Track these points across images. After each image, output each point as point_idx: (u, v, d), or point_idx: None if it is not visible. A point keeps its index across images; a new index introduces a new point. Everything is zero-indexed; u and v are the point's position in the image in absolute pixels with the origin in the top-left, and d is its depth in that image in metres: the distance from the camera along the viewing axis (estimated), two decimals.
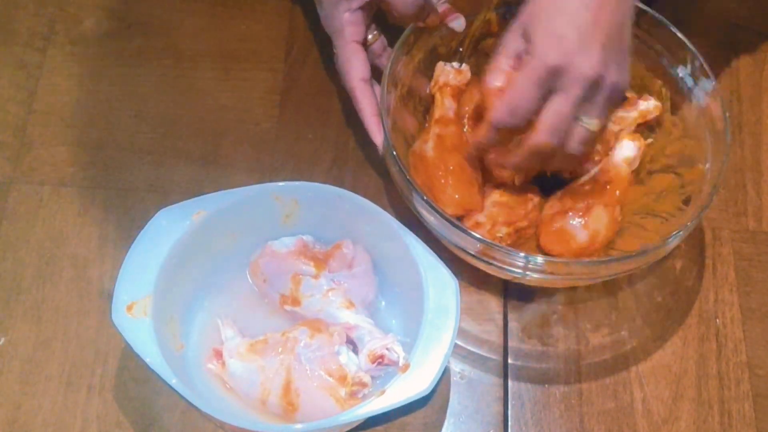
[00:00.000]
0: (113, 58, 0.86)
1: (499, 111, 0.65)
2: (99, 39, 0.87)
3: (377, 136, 0.74)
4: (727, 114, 0.72)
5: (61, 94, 0.84)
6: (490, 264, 0.70)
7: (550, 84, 0.63)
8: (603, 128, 0.68)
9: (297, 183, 0.70)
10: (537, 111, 0.64)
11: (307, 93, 0.85)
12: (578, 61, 0.62)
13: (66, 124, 0.82)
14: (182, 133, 0.82)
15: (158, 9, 0.89)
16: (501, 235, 0.73)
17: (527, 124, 0.65)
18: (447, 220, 0.68)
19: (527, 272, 0.69)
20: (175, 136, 0.82)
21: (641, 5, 0.75)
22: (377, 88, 0.75)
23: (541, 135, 0.65)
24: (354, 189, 0.70)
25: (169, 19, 0.89)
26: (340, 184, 0.74)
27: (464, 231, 0.68)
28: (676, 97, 0.77)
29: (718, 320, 0.76)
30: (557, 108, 0.64)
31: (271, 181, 0.72)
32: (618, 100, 0.66)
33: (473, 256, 0.70)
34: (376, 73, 0.76)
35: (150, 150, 0.81)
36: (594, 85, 0.63)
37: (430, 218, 0.70)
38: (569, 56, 0.62)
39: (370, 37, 0.76)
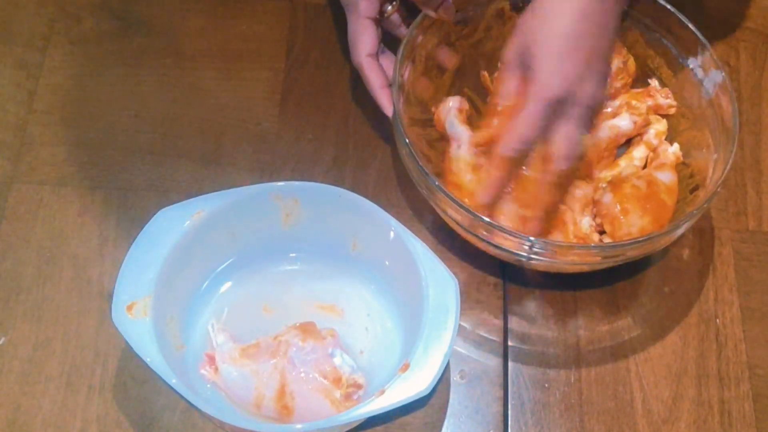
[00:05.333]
0: (113, 58, 0.86)
1: (509, 141, 0.67)
2: (99, 39, 0.87)
3: (387, 108, 0.75)
4: (736, 104, 0.72)
5: (61, 94, 0.84)
6: (497, 247, 0.70)
7: (556, 111, 0.66)
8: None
9: (297, 183, 0.70)
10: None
11: (308, 93, 0.85)
12: (579, 90, 0.65)
13: (66, 124, 0.82)
14: (182, 132, 0.82)
15: (158, 9, 0.89)
16: None
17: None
18: (455, 201, 0.68)
19: (532, 256, 0.69)
20: (176, 136, 0.82)
21: None
22: (392, 58, 0.76)
23: (561, 162, 0.67)
24: (354, 189, 0.70)
25: (170, 19, 0.89)
26: (340, 184, 0.74)
27: (468, 211, 0.68)
28: (686, 88, 0.78)
29: (718, 320, 0.76)
30: (567, 134, 0.67)
31: (271, 181, 0.72)
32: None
33: (479, 237, 0.70)
34: (395, 44, 0.76)
35: (150, 150, 0.81)
36: (590, 108, 0.67)
37: (438, 199, 0.71)
38: (573, 85, 0.65)
39: (389, 8, 0.77)
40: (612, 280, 0.77)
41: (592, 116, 0.68)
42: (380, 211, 0.68)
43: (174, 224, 0.67)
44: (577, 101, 0.66)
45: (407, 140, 0.71)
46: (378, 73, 0.76)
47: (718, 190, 0.70)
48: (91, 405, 0.70)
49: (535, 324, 0.75)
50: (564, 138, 0.67)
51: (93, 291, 0.74)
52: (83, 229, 0.77)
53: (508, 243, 0.69)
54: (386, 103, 0.75)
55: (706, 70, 0.76)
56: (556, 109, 0.66)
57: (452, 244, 0.78)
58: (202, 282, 0.72)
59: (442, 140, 0.78)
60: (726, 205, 0.82)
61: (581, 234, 0.74)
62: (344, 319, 0.72)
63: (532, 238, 0.68)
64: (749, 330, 0.76)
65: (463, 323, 0.75)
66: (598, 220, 0.74)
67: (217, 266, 0.73)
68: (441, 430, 0.71)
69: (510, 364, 0.73)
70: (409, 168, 0.73)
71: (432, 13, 0.75)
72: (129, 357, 0.70)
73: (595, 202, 0.75)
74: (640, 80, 0.81)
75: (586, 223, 0.74)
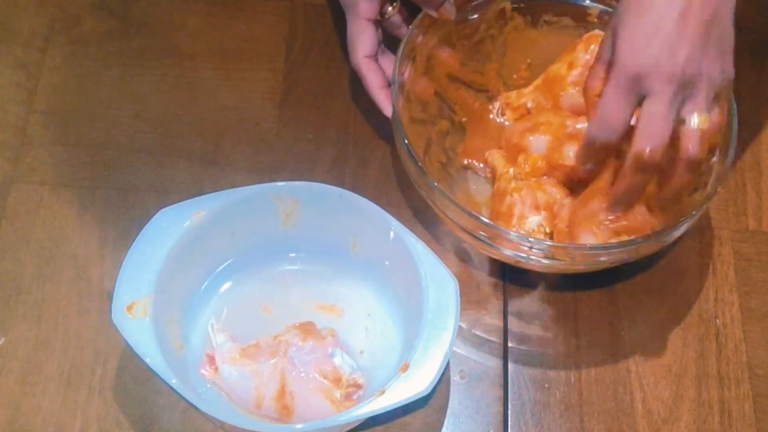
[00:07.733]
0: (113, 58, 0.86)
1: (590, 126, 0.65)
2: (99, 39, 0.87)
3: (386, 108, 0.75)
4: (735, 104, 0.72)
5: (61, 94, 0.84)
6: (496, 248, 0.70)
7: (638, 90, 0.62)
8: (717, 124, 0.64)
9: (297, 183, 0.70)
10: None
11: (307, 93, 0.85)
12: (662, 62, 0.61)
13: (66, 124, 0.82)
14: (182, 133, 0.82)
15: (158, 9, 0.89)
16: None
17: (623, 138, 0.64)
18: (453, 202, 0.69)
19: (532, 257, 0.69)
20: (175, 136, 0.82)
21: None
22: (392, 59, 0.76)
23: (639, 141, 0.62)
24: (354, 189, 0.70)
25: (170, 19, 0.89)
26: (340, 184, 0.74)
27: (467, 212, 0.68)
28: None
29: (718, 320, 0.76)
30: (650, 110, 0.62)
31: (271, 181, 0.71)
32: (724, 90, 0.64)
33: (478, 238, 0.70)
34: (396, 45, 0.76)
35: (150, 150, 0.81)
36: (687, 83, 0.61)
37: (436, 199, 0.71)
38: (652, 59, 0.61)
39: (390, 9, 0.77)
40: (612, 281, 0.77)
41: (705, 93, 0.61)
42: (380, 211, 0.68)
43: (174, 224, 0.67)
44: (667, 77, 0.60)
45: (406, 140, 0.71)
46: (376, 73, 0.76)
47: (717, 190, 0.70)
48: (91, 405, 0.70)
49: (535, 324, 0.75)
50: (645, 114, 0.61)
51: (93, 291, 0.74)
52: (83, 229, 0.77)
53: (507, 244, 0.69)
54: (385, 103, 0.75)
55: None
56: (643, 88, 0.61)
57: (452, 244, 0.78)
58: (202, 282, 0.72)
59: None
60: (726, 205, 0.82)
61: (523, 231, 0.73)
62: (344, 319, 0.72)
63: (531, 239, 0.68)
64: (749, 330, 0.76)
65: (462, 323, 0.75)
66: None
67: (217, 266, 0.73)
68: (441, 430, 0.71)
69: (510, 364, 0.73)
70: (407, 168, 0.73)
71: (433, 13, 0.75)
72: (129, 357, 0.70)
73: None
74: None
75: (533, 221, 0.73)
